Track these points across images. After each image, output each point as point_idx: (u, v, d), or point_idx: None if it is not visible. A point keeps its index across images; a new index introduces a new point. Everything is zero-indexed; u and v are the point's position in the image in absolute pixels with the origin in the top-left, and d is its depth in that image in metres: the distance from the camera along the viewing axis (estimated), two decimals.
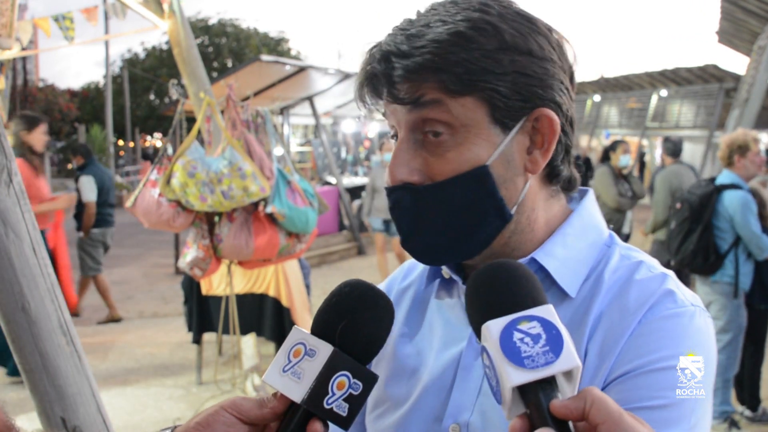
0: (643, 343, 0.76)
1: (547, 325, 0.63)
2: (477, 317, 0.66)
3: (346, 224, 11.53)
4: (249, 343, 5.16)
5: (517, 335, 0.62)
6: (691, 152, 16.24)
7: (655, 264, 0.86)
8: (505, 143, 0.82)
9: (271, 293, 5.03)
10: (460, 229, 0.83)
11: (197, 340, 5.17)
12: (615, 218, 6.34)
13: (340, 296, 0.74)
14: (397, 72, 0.80)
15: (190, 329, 5.21)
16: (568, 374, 0.62)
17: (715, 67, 15.04)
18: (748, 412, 4.39)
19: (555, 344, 0.62)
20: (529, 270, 0.69)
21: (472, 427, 0.83)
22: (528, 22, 0.82)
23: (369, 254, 10.75)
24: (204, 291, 5.03)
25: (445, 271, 0.92)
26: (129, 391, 5.02)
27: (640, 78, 17.99)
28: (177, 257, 8.57)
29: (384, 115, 0.86)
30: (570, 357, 0.61)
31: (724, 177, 4.23)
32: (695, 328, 0.78)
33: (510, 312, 0.64)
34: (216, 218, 4.28)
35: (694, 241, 4.18)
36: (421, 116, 0.81)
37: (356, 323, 0.72)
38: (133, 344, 6.24)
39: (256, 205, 4.21)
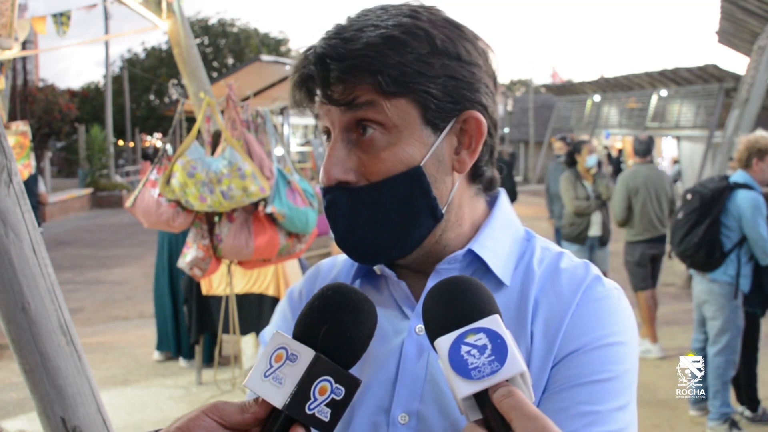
0: (584, 323, 0.83)
1: (492, 335, 0.66)
2: (431, 334, 0.71)
3: None
4: (249, 343, 5.16)
5: (464, 348, 0.66)
6: (691, 152, 16.23)
7: (571, 255, 0.94)
8: (436, 144, 0.86)
9: (271, 293, 5.03)
10: (395, 229, 0.86)
11: (196, 341, 5.16)
12: (576, 222, 6.22)
13: (323, 300, 0.73)
14: (332, 74, 0.82)
15: (189, 330, 5.20)
16: (518, 378, 0.65)
17: (715, 67, 15.03)
18: (748, 413, 4.39)
19: (500, 353, 0.65)
20: (479, 282, 0.73)
21: (421, 415, 0.85)
22: (456, 28, 0.87)
23: None
24: (204, 291, 5.03)
25: (377, 267, 0.95)
26: (129, 391, 5.02)
27: (640, 78, 17.98)
28: None
29: (317, 116, 0.89)
30: (515, 363, 0.65)
31: (739, 176, 4.17)
32: (622, 309, 0.87)
33: (458, 326, 0.68)
34: (216, 218, 4.28)
35: (700, 234, 4.12)
36: (356, 117, 0.84)
37: (338, 327, 0.71)
38: (133, 344, 6.24)
39: (256, 205, 4.21)
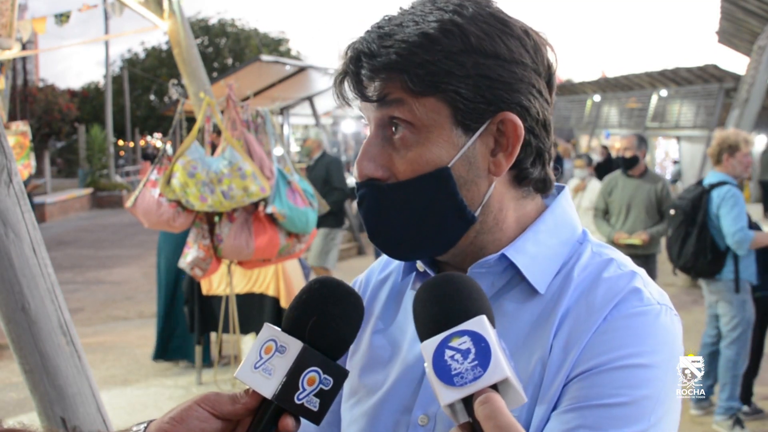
0: (606, 340, 0.77)
1: (476, 338, 0.64)
2: (420, 336, 0.69)
3: (346, 224, 11.52)
4: (249, 343, 5.15)
5: (448, 353, 0.64)
6: (691, 152, 16.21)
7: (626, 262, 0.86)
8: (467, 146, 0.82)
9: (271, 293, 5.03)
10: (422, 229, 0.85)
11: (198, 341, 5.16)
12: None
13: (310, 293, 0.75)
14: (364, 71, 0.82)
15: (191, 330, 5.20)
16: (506, 382, 0.63)
17: (715, 67, 15.00)
18: (745, 408, 4.39)
19: (483, 358, 0.63)
20: (469, 280, 0.71)
21: (440, 418, 0.84)
22: (501, 24, 0.82)
23: (369, 254, 10.74)
24: (204, 291, 5.03)
25: (420, 264, 0.93)
26: (129, 391, 5.02)
27: (640, 78, 17.96)
28: None
29: (360, 110, 0.89)
30: (498, 369, 0.62)
31: (711, 177, 4.25)
32: (660, 327, 0.78)
33: (444, 329, 0.66)
34: (216, 218, 4.28)
35: (693, 242, 4.17)
36: (387, 114, 0.83)
37: (325, 319, 0.73)
38: (133, 344, 6.24)
39: (256, 205, 4.21)
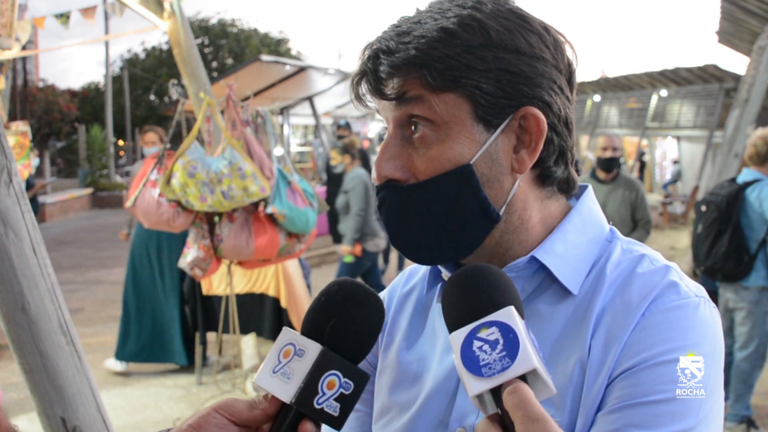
0: (647, 336, 0.75)
1: (504, 329, 0.64)
2: (449, 329, 0.69)
3: None
4: (249, 343, 5.16)
5: (476, 344, 0.64)
6: (691, 152, 16.22)
7: (657, 257, 0.84)
8: (489, 142, 0.81)
9: (271, 293, 5.03)
10: (446, 229, 0.82)
11: (203, 341, 5.15)
12: None
13: (329, 295, 0.73)
14: (382, 68, 0.80)
15: (195, 329, 5.20)
16: (534, 373, 0.63)
17: (715, 67, 14.99)
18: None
19: (512, 348, 0.63)
20: (497, 271, 0.70)
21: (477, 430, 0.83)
22: (520, 19, 0.81)
23: None
24: (204, 291, 5.03)
25: (445, 273, 0.91)
26: (129, 391, 5.02)
27: (640, 78, 17.96)
28: None
29: (378, 111, 0.87)
30: (526, 360, 0.62)
31: (746, 175, 4.09)
32: (700, 319, 0.77)
33: (472, 320, 0.66)
34: (216, 218, 4.28)
35: (725, 242, 3.99)
36: (407, 112, 0.81)
37: (345, 322, 0.72)
38: None
39: (256, 205, 4.21)
